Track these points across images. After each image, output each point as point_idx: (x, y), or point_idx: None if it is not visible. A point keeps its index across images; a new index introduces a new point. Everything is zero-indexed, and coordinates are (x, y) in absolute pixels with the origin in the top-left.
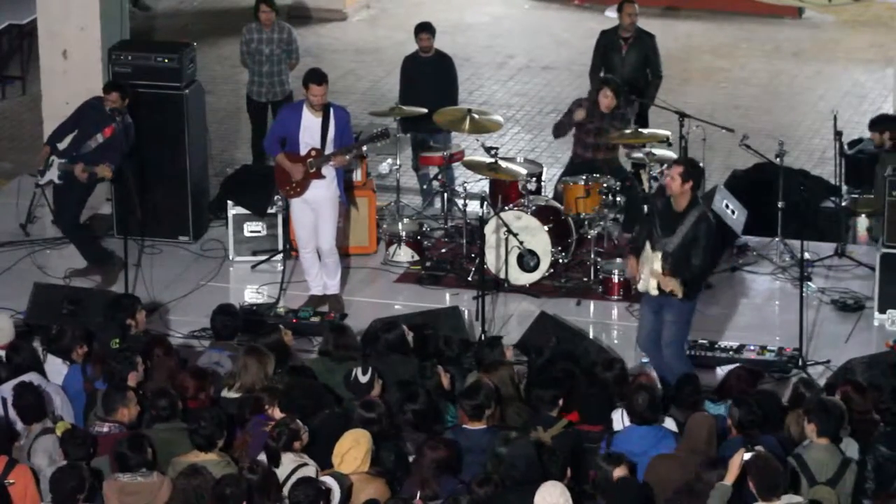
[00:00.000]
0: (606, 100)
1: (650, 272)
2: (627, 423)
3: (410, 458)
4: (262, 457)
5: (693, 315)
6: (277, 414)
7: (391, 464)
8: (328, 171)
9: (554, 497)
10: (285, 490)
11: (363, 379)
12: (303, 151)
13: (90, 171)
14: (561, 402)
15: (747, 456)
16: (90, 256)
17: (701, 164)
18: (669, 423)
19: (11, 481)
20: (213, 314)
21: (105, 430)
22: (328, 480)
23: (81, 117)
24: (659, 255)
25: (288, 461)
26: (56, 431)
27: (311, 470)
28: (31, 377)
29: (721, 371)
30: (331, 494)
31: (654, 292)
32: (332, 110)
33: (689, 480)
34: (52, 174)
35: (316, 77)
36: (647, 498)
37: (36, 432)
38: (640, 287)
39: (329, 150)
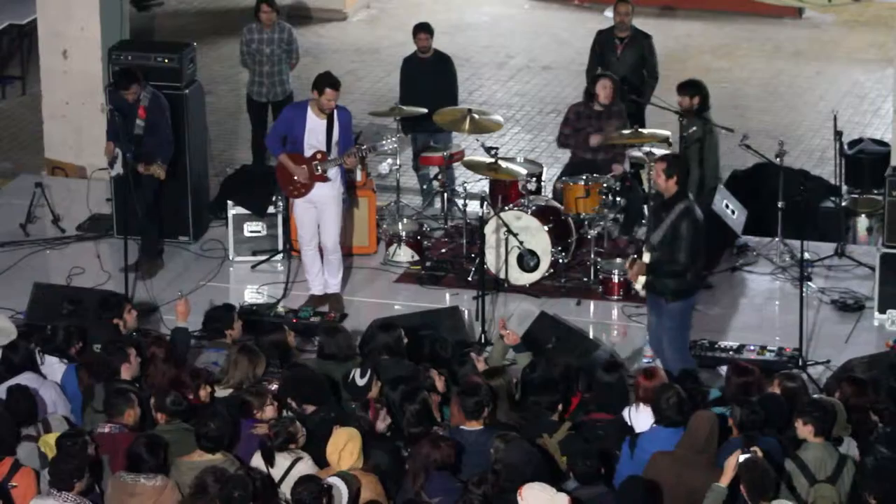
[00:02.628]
0: (605, 90)
1: (638, 264)
2: (642, 418)
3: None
4: (257, 456)
5: (690, 316)
6: (268, 414)
7: (387, 465)
8: (332, 171)
9: (541, 501)
10: (283, 487)
11: (361, 381)
12: (307, 153)
13: (150, 170)
14: (560, 406)
15: (743, 458)
16: (148, 250)
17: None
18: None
19: (14, 484)
20: (206, 314)
21: (107, 430)
22: (335, 481)
23: (115, 122)
24: (646, 248)
25: (283, 459)
26: (39, 444)
27: (308, 463)
28: (28, 377)
29: (721, 371)
30: (333, 491)
31: (640, 288)
32: (335, 112)
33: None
34: (120, 168)
35: (332, 82)
36: (655, 496)
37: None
38: (636, 287)
39: (334, 151)
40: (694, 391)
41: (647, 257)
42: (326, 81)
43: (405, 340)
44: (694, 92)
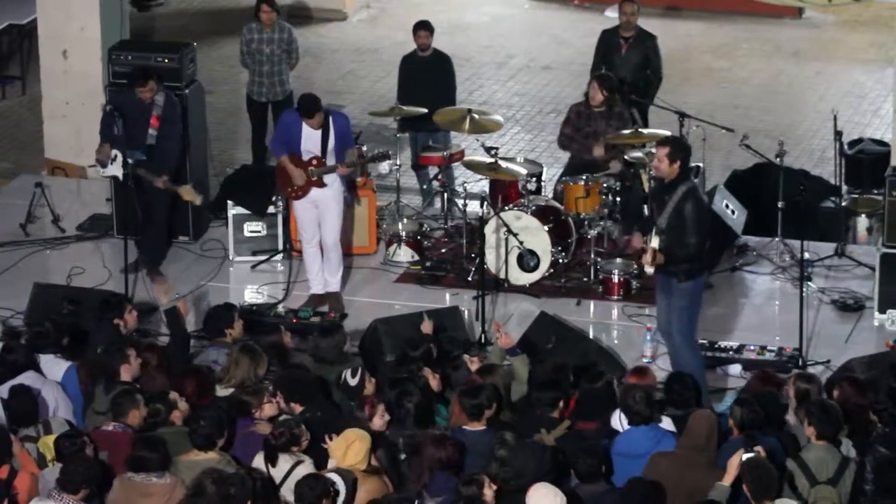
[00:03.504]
0: (595, 93)
1: (650, 250)
2: (626, 424)
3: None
4: (259, 457)
5: (700, 296)
6: (266, 413)
7: (387, 462)
8: (329, 177)
9: (548, 500)
10: (283, 489)
11: (352, 381)
12: (305, 158)
13: (168, 185)
14: (561, 403)
15: (746, 457)
16: (153, 253)
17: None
18: (667, 423)
19: (16, 491)
20: (207, 314)
21: (110, 428)
22: (333, 477)
23: (114, 122)
24: (655, 232)
25: (284, 461)
26: (38, 445)
27: (309, 466)
28: (29, 376)
29: (721, 371)
30: (337, 493)
31: (649, 270)
32: (331, 119)
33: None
34: (116, 170)
35: (309, 110)
36: (659, 498)
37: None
38: (646, 269)
39: (330, 156)
40: (682, 393)
41: (655, 241)
42: (303, 110)
43: (434, 352)
44: (602, 84)
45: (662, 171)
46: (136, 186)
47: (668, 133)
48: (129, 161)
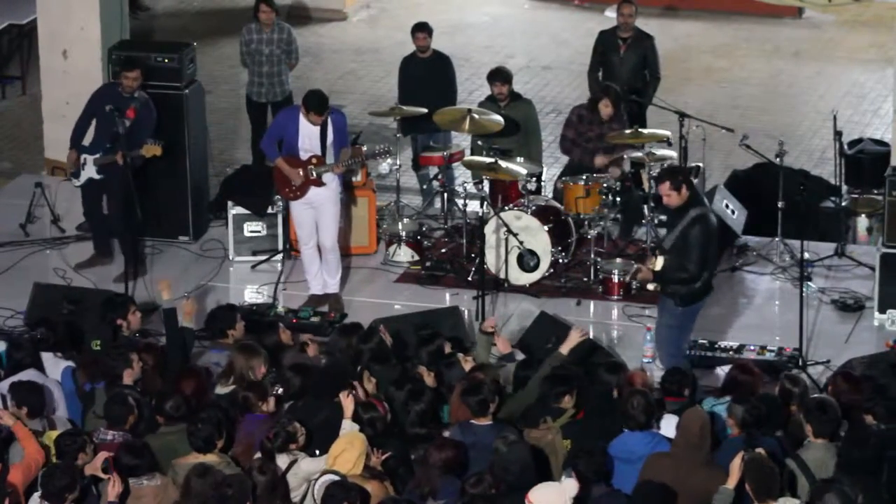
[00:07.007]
0: (607, 109)
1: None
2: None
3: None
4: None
5: (692, 321)
6: (270, 407)
7: (393, 462)
8: (327, 175)
9: (551, 497)
10: None
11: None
12: (303, 157)
13: (132, 155)
14: (568, 397)
15: (747, 457)
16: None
17: (698, 164)
18: (670, 421)
19: (11, 488)
20: (209, 315)
21: (109, 437)
22: (326, 479)
23: (96, 109)
24: (658, 253)
25: (281, 461)
26: (43, 439)
27: (305, 463)
28: (30, 374)
29: (720, 371)
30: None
31: (650, 287)
32: (329, 116)
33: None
34: (90, 172)
35: (316, 107)
36: (670, 501)
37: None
38: (648, 286)
39: (329, 154)
40: (681, 383)
41: (659, 262)
42: (311, 105)
43: (390, 342)
44: (504, 79)
45: (675, 202)
46: (109, 176)
47: (668, 133)
48: (98, 155)
